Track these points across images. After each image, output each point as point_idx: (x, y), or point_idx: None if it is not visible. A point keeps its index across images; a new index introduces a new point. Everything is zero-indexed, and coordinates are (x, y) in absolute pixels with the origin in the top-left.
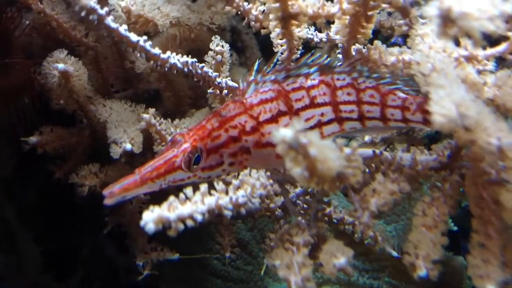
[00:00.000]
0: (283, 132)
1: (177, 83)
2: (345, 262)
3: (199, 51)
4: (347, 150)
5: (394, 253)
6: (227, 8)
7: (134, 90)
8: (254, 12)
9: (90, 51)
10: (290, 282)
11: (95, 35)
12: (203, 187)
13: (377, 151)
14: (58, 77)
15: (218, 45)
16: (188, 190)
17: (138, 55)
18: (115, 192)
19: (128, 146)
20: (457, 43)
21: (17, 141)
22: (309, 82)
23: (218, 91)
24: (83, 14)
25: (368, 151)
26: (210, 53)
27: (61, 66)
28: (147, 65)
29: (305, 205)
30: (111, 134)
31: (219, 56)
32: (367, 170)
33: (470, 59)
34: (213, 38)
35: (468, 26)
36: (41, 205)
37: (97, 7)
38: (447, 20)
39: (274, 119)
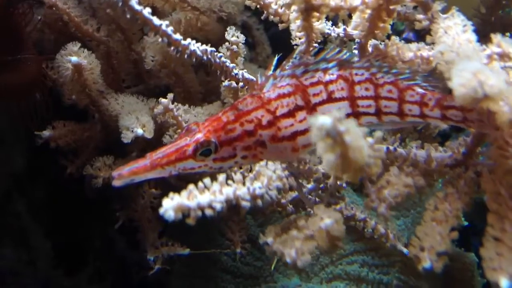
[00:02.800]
0: (323, 120)
1: (187, 79)
2: (330, 223)
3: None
4: (370, 140)
5: (405, 251)
6: (248, 2)
7: (145, 85)
8: (273, 6)
9: (102, 45)
10: (284, 255)
11: (107, 30)
12: (221, 176)
13: (391, 148)
14: (71, 70)
15: (234, 36)
16: (207, 180)
17: (160, 39)
18: (124, 174)
19: (140, 131)
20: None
21: (29, 136)
22: (327, 77)
23: (234, 83)
24: None
25: (382, 147)
26: (226, 44)
27: (74, 59)
28: (156, 61)
29: (317, 199)
30: (123, 122)
31: (234, 46)
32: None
33: (502, 56)
34: (228, 28)
35: None
36: (53, 200)
37: None
38: None
39: (291, 114)
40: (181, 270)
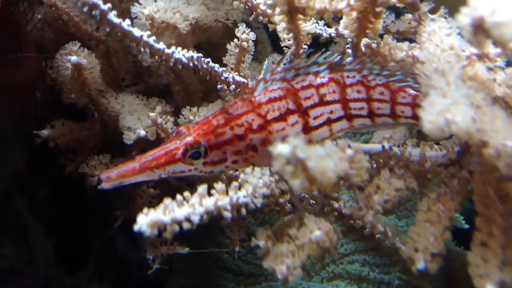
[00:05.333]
0: (281, 148)
1: (186, 77)
2: (320, 235)
3: (208, 43)
4: (349, 152)
5: (404, 248)
6: (235, 3)
7: (145, 84)
8: (262, 7)
9: (101, 45)
10: (275, 272)
11: None
12: (202, 188)
13: (386, 146)
14: (70, 70)
15: (244, 33)
16: (187, 193)
17: (142, 49)
18: (112, 177)
19: (142, 132)
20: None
21: (29, 135)
22: (319, 80)
23: (225, 86)
24: (85, 9)
25: (378, 146)
26: (235, 41)
27: (74, 58)
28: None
29: (311, 201)
30: (124, 122)
31: (244, 43)
32: (374, 165)
33: (481, 57)
34: (238, 25)
35: (500, 35)
36: (53, 198)
37: (100, 2)
38: (479, 29)
39: (282, 118)
40: (182, 268)
